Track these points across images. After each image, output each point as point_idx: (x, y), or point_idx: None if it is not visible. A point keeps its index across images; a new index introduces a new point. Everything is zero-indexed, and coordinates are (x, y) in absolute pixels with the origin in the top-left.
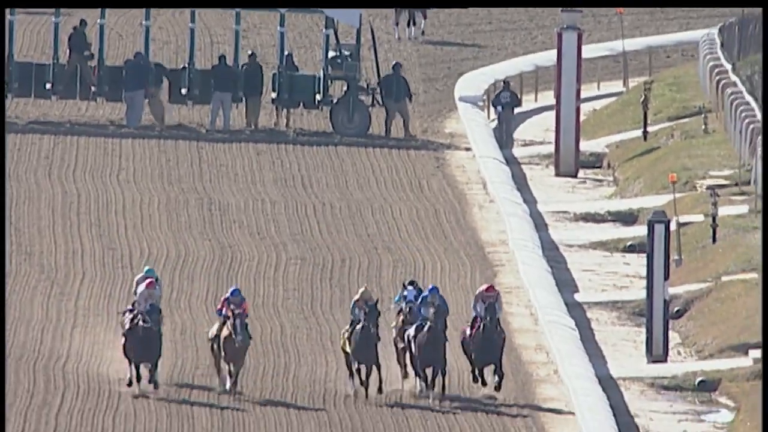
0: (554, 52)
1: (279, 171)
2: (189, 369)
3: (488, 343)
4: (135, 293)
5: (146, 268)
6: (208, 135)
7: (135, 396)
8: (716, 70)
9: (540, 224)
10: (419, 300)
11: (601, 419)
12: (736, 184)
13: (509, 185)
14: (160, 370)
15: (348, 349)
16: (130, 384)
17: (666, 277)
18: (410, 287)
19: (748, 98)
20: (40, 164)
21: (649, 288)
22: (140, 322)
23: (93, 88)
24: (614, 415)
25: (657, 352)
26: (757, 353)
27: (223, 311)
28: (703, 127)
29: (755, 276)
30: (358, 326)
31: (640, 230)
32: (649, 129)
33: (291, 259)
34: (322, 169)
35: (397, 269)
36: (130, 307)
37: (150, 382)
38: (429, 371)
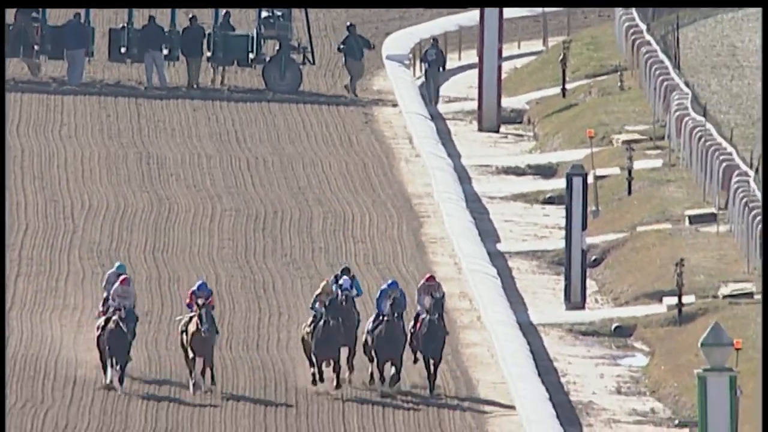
0: (477, 12)
1: (214, 126)
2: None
3: (432, 337)
4: (105, 289)
5: (117, 263)
6: (147, 92)
7: (105, 387)
8: (631, 30)
9: (464, 177)
10: (378, 293)
11: (521, 363)
12: (651, 139)
13: (434, 140)
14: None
15: (309, 341)
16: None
17: (584, 227)
18: (345, 277)
19: (662, 57)
20: None
21: (568, 238)
22: (113, 326)
23: (36, 47)
24: (534, 359)
25: (575, 300)
26: (670, 300)
27: (192, 305)
28: (619, 84)
29: (669, 226)
30: (321, 323)
31: (559, 183)
32: (568, 86)
33: (226, 211)
34: (256, 125)
35: (328, 221)
36: (101, 308)
37: (119, 380)
38: (386, 365)
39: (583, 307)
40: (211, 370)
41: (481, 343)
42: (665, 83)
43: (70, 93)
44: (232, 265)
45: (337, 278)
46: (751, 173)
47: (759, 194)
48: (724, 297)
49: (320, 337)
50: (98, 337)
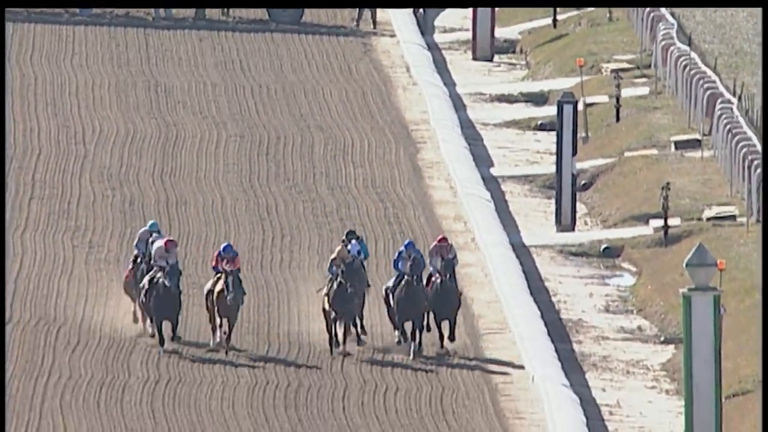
0: None
1: (219, 56)
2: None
3: (444, 298)
4: (136, 246)
5: (150, 222)
6: (155, 23)
7: (165, 352)
8: None
9: (459, 105)
10: (396, 255)
11: (514, 283)
12: (638, 68)
13: (430, 69)
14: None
15: (327, 308)
16: (153, 336)
17: (574, 153)
18: (353, 241)
19: None
20: None
21: (559, 163)
22: (161, 281)
23: None
24: (526, 279)
25: (565, 222)
26: (657, 222)
27: (218, 267)
28: (608, 15)
29: (655, 152)
30: (337, 286)
31: (550, 110)
32: (559, 17)
33: (231, 137)
34: (259, 54)
35: (328, 146)
36: (131, 265)
37: (173, 339)
38: (408, 325)
39: (573, 229)
40: (230, 331)
41: (476, 264)
42: (652, 14)
43: (81, 24)
44: (236, 189)
45: (345, 242)
46: (734, 101)
47: (742, 120)
48: (708, 219)
49: (334, 296)
50: (144, 301)
